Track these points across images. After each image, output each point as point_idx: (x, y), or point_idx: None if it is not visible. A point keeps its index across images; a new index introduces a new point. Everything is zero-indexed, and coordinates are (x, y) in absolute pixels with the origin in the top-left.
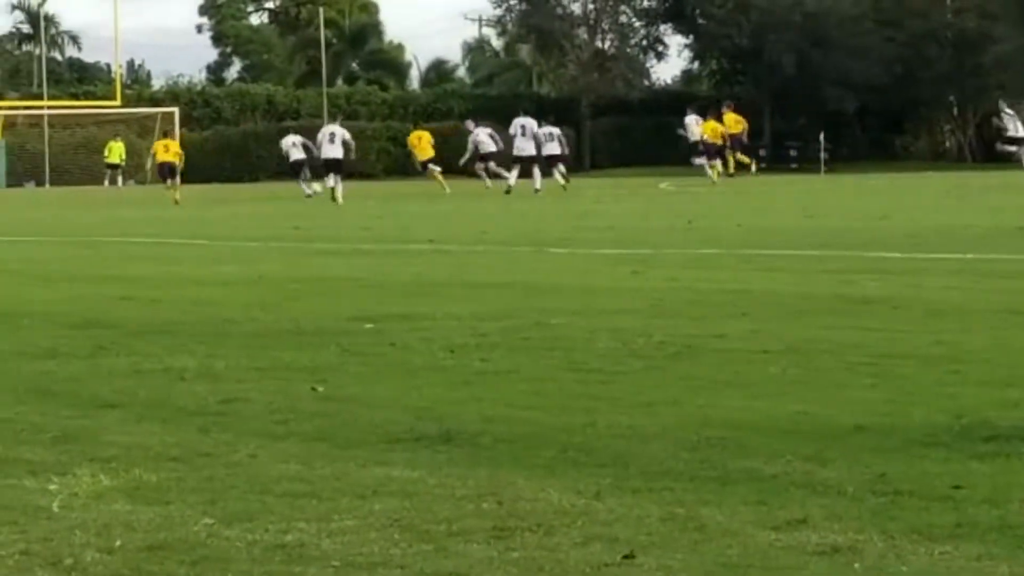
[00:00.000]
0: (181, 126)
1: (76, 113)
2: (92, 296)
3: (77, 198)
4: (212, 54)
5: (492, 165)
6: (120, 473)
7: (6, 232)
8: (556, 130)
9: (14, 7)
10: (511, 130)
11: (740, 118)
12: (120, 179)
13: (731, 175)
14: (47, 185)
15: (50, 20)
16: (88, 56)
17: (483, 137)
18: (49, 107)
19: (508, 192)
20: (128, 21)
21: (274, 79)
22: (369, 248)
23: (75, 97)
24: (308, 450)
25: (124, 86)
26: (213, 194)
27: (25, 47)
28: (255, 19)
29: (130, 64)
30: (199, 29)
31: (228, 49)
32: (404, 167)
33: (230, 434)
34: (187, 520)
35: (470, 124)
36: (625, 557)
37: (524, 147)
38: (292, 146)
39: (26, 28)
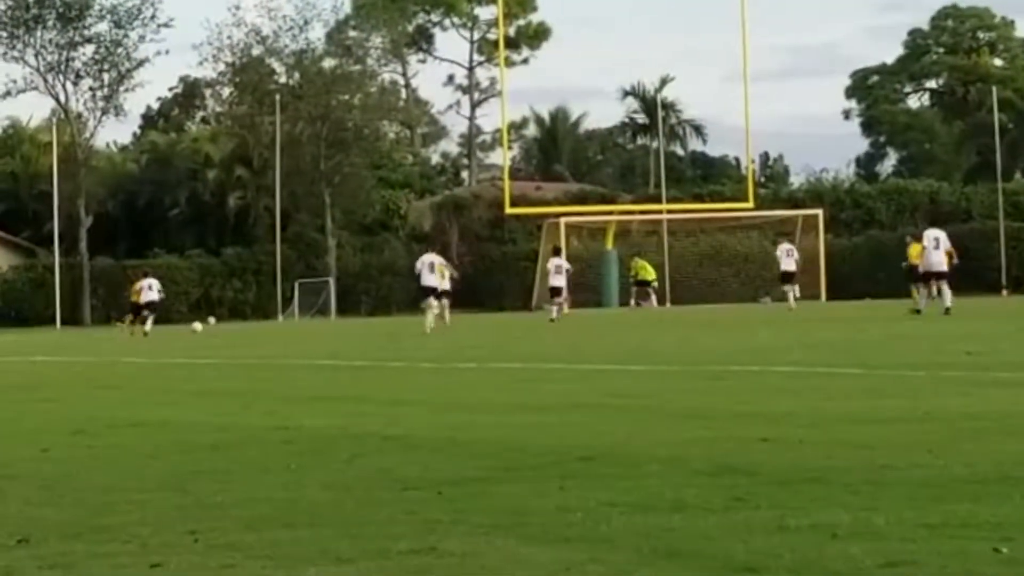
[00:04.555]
0: (826, 231)
1: (700, 218)
2: (725, 437)
3: (700, 318)
4: (862, 144)
5: None
6: None
7: (615, 359)
8: None
9: (627, 93)
10: None
11: None
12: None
13: None
14: (667, 303)
15: (669, 108)
16: (714, 149)
17: None
18: (668, 210)
19: None
20: (760, 107)
21: (938, 173)
22: None
23: (699, 198)
24: None
25: (757, 184)
26: (867, 312)
27: (640, 140)
28: (913, 102)
29: (763, 158)
30: (846, 115)
31: (881, 138)
32: None
33: None
34: None
35: None
36: None
37: None
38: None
39: (640, 118)
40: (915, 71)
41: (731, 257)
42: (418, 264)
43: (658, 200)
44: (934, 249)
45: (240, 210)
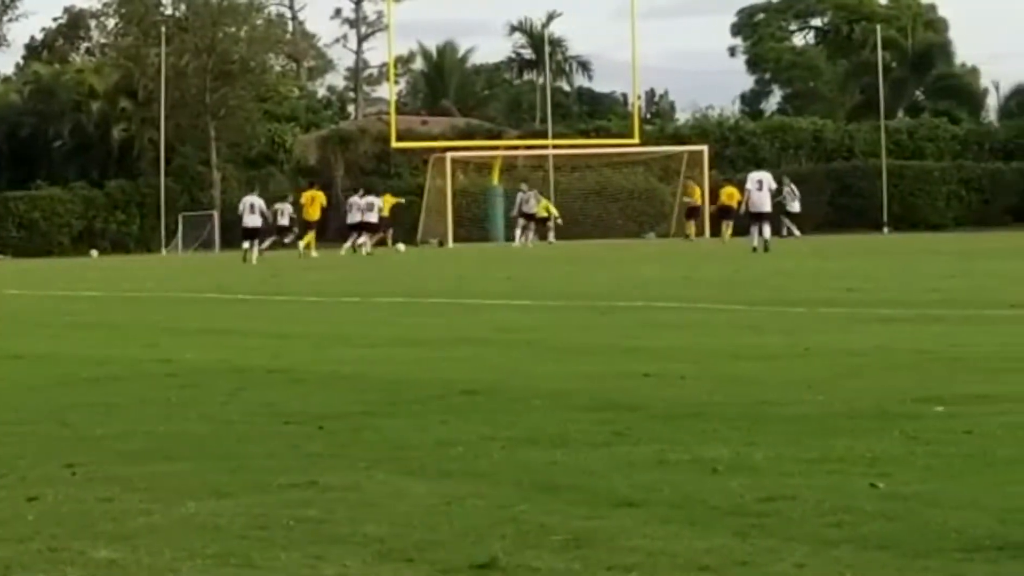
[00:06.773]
0: (711, 167)
1: (586, 153)
2: (608, 372)
3: (585, 253)
4: (747, 82)
5: None
6: None
7: (500, 294)
8: None
9: (514, 28)
10: None
11: None
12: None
13: None
14: (551, 238)
15: (556, 44)
16: (600, 86)
17: None
18: (554, 146)
19: None
20: (648, 44)
21: (822, 111)
22: (939, 314)
23: (585, 134)
24: (868, 560)
25: (643, 120)
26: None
27: (527, 75)
28: (799, 40)
29: (649, 95)
30: (732, 52)
31: (766, 75)
32: (981, 216)
33: (773, 539)
34: None
35: None
36: None
37: None
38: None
39: (527, 53)
40: (800, 9)
41: (616, 193)
42: (240, 205)
43: (544, 136)
44: (757, 191)
45: (124, 142)
